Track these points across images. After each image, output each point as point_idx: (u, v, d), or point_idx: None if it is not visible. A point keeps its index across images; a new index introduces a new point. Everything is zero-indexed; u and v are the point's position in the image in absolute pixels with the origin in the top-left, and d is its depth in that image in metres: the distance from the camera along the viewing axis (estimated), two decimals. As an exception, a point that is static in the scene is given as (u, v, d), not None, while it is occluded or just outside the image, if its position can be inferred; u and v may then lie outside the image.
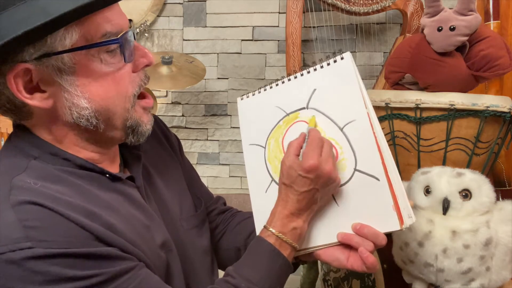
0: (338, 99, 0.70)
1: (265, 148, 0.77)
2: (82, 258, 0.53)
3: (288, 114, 0.75)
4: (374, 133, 0.66)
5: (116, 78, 0.61)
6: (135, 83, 0.64)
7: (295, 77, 0.75)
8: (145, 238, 0.63)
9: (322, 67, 0.72)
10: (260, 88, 0.79)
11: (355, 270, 0.66)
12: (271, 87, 0.78)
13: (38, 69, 0.56)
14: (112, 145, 0.68)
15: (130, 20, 0.66)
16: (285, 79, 0.76)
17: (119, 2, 0.61)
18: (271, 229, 0.66)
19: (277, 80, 0.77)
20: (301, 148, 0.67)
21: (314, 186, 0.65)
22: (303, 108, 0.73)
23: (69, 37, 0.55)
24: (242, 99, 0.82)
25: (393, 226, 0.64)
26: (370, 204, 0.66)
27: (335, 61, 0.70)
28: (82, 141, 0.63)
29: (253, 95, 0.80)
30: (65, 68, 0.57)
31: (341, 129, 0.69)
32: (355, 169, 0.67)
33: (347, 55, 0.69)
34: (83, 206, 0.57)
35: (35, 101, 0.58)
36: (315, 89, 0.72)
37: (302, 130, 0.71)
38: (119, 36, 0.59)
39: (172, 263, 0.68)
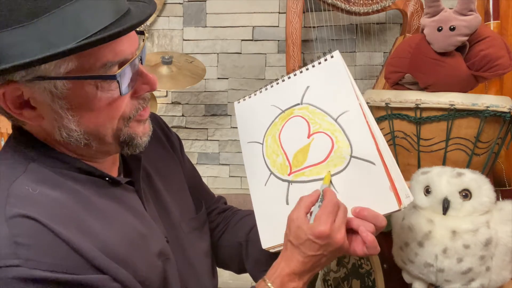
0: (330, 93, 0.74)
1: (262, 144, 0.80)
2: (68, 285, 0.51)
3: (283, 111, 0.79)
4: (367, 121, 0.69)
5: (111, 105, 0.58)
6: (133, 106, 0.61)
7: (289, 78, 0.79)
8: (139, 249, 0.62)
9: (314, 66, 0.76)
10: (256, 90, 0.84)
11: (358, 254, 0.66)
12: (266, 89, 0.82)
13: (29, 88, 0.54)
14: (108, 155, 0.66)
15: (142, 33, 0.61)
16: (279, 80, 0.81)
17: None
18: (269, 284, 0.64)
19: (271, 82, 0.81)
20: (313, 205, 0.66)
21: (322, 252, 0.63)
22: (298, 104, 0.77)
23: (64, 66, 0.52)
24: (239, 102, 0.87)
25: (391, 207, 0.65)
26: (368, 188, 0.67)
27: (325, 60, 0.75)
28: (77, 152, 0.62)
29: (249, 97, 0.85)
30: (57, 92, 0.54)
31: (335, 120, 0.72)
32: (351, 156, 0.69)
33: (337, 53, 0.74)
34: (79, 219, 0.55)
35: (24, 118, 0.57)
36: (308, 86, 0.76)
37: (297, 125, 0.75)
38: (117, 72, 0.55)
39: (169, 272, 0.67)
